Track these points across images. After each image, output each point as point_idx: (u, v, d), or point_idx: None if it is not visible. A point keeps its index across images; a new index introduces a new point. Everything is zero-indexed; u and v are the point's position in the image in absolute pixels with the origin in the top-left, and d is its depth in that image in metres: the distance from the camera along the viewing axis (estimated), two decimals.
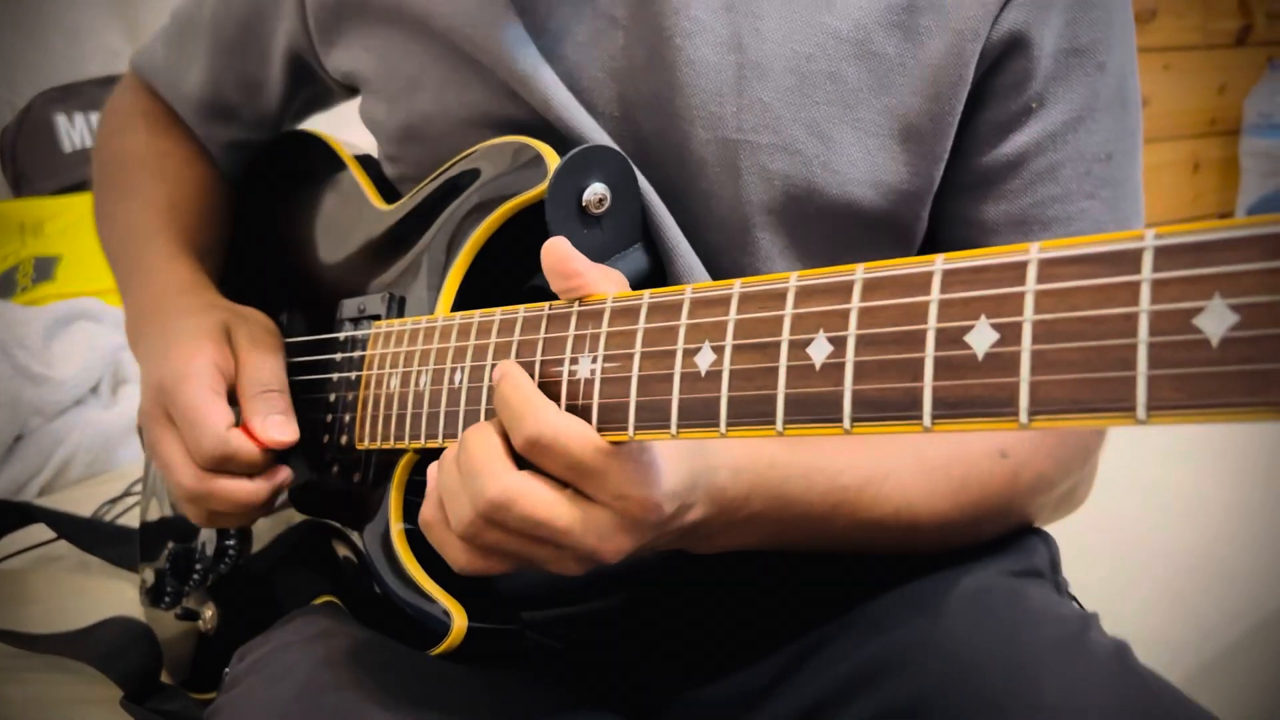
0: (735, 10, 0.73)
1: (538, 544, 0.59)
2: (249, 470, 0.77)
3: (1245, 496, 1.33)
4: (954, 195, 0.76)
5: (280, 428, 0.78)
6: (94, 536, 1.24)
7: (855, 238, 0.76)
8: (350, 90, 0.90)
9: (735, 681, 0.75)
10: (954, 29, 0.72)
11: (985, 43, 0.72)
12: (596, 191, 0.70)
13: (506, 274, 0.73)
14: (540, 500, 0.57)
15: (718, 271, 0.76)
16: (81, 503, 1.33)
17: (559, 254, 0.61)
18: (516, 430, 0.58)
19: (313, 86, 0.94)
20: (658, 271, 0.74)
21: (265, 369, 0.80)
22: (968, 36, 0.71)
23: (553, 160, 0.70)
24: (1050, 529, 0.82)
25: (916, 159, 0.74)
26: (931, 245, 0.78)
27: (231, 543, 0.89)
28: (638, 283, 0.73)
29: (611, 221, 0.71)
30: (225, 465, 0.76)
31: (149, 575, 0.95)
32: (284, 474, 0.79)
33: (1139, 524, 1.29)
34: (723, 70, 0.73)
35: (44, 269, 1.81)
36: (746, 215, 0.74)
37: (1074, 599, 0.79)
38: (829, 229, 0.75)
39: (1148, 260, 0.39)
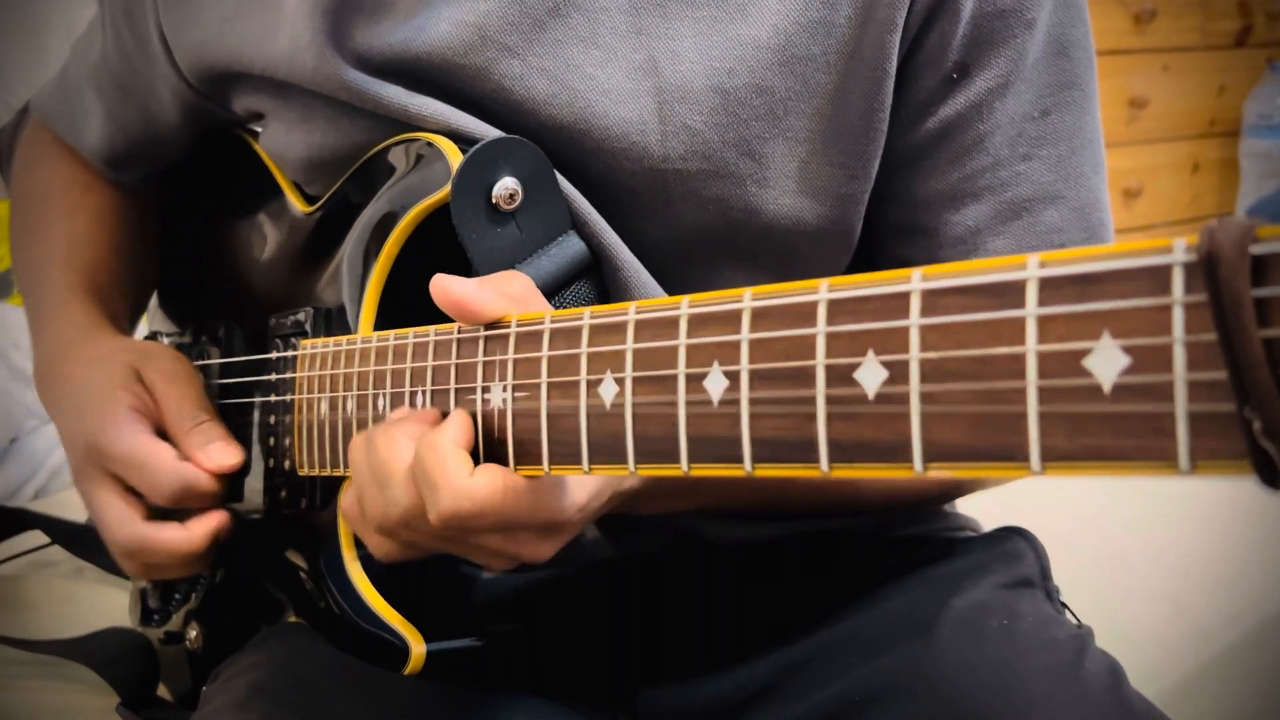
0: (646, 33, 0.68)
1: (455, 544, 0.58)
2: (208, 502, 0.75)
3: (1243, 498, 1.29)
4: (886, 175, 0.72)
5: (224, 452, 0.76)
6: (88, 542, 1.22)
7: (800, 246, 0.72)
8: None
9: (717, 687, 0.74)
10: (875, 19, 0.67)
11: (903, 30, 0.67)
12: (507, 186, 0.65)
13: (430, 276, 0.69)
14: None
15: (666, 276, 0.72)
16: (76, 508, 1.29)
17: (441, 295, 0.58)
18: (431, 504, 0.55)
19: (218, 120, 0.89)
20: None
21: (188, 402, 0.77)
22: (887, 27, 0.67)
23: (455, 158, 0.65)
24: (1048, 532, 0.80)
25: (851, 159, 0.70)
26: (870, 227, 0.75)
27: None
28: (576, 272, 0.69)
29: (529, 216, 0.66)
30: (185, 499, 0.75)
31: (135, 595, 0.95)
32: (219, 519, 0.76)
33: (1136, 526, 1.26)
34: (640, 97, 0.68)
35: None
36: (683, 236, 0.71)
37: (1065, 606, 0.77)
38: (772, 241, 0.72)
39: (1032, 293, 0.35)
